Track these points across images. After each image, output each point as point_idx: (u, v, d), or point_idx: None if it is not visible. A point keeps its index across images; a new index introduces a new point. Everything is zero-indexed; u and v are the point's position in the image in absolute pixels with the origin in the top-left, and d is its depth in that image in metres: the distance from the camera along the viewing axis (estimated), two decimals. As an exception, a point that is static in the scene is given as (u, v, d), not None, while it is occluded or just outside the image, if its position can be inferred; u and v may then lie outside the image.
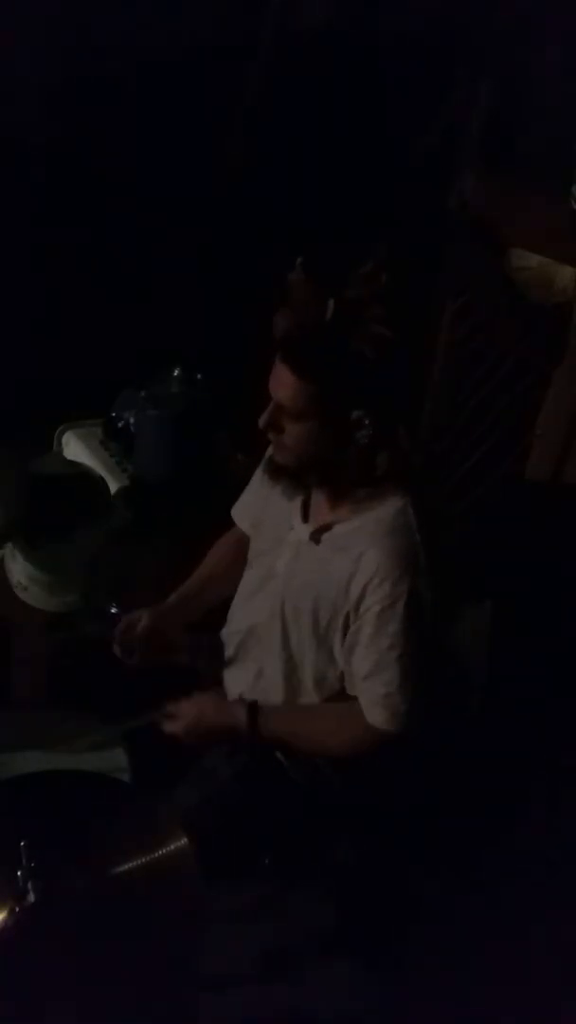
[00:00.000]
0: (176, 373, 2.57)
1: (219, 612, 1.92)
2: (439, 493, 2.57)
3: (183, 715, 1.74)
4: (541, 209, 2.57)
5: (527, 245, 2.60)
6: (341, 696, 1.73)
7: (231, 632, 1.88)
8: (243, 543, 1.92)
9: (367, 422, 1.53)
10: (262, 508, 1.84)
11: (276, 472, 1.66)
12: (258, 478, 1.85)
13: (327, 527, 1.67)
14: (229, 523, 2.00)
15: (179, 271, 3.13)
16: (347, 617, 1.65)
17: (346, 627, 1.66)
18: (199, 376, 2.58)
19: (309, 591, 1.68)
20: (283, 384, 1.54)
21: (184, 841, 1.45)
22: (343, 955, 2.13)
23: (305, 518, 1.71)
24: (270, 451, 1.68)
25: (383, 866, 2.20)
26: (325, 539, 1.67)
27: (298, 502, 1.72)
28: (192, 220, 3.12)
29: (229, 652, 1.87)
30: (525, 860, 2.30)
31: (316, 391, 1.52)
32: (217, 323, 3.09)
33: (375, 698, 1.64)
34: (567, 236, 2.50)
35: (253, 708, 1.71)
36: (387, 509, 1.61)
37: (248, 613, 1.83)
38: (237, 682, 1.84)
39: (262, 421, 1.59)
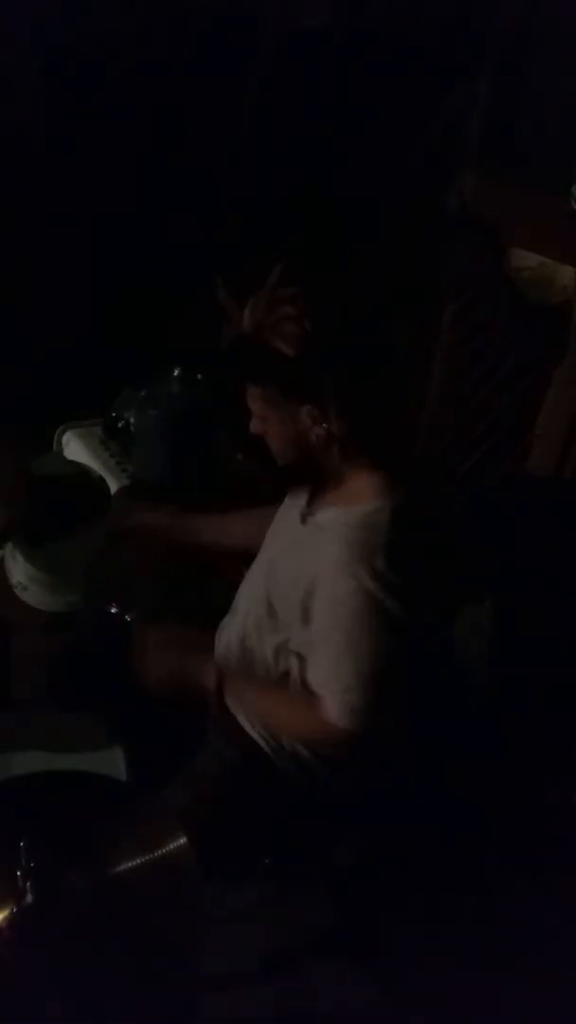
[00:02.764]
0: (176, 373, 2.57)
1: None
2: (441, 494, 2.57)
3: (153, 647, 1.76)
4: (541, 209, 2.57)
5: (527, 245, 2.60)
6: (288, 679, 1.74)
7: (230, 618, 1.90)
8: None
9: (318, 416, 1.58)
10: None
11: (277, 474, 1.73)
12: None
13: (313, 512, 1.71)
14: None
15: (180, 270, 3.13)
16: (302, 605, 1.66)
17: (302, 615, 1.67)
18: (199, 376, 2.58)
19: (284, 573, 1.72)
20: (247, 391, 1.65)
21: (184, 841, 1.45)
22: (343, 955, 2.13)
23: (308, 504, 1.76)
24: None
25: (382, 866, 2.20)
26: (309, 522, 1.70)
27: (305, 493, 1.76)
28: (192, 220, 3.12)
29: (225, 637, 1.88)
30: (525, 859, 2.30)
31: (263, 393, 1.61)
32: (217, 323, 3.09)
33: (330, 695, 1.62)
34: (567, 236, 2.50)
35: (221, 677, 1.73)
36: (364, 506, 1.61)
37: (245, 598, 1.86)
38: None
39: (251, 428, 1.69)
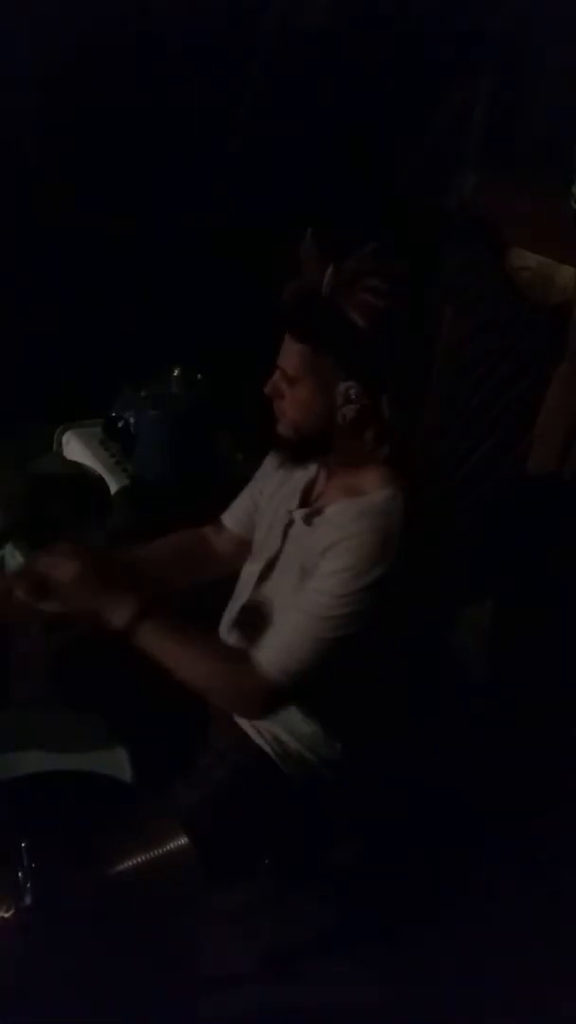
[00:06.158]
0: (176, 373, 2.57)
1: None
2: (441, 494, 2.57)
3: (66, 565, 1.63)
4: (541, 209, 2.57)
5: (527, 245, 2.60)
6: None
7: (227, 620, 1.90)
8: (203, 539, 1.98)
9: (353, 395, 1.58)
10: (263, 501, 1.88)
11: (279, 444, 1.72)
12: (258, 475, 1.91)
13: (319, 511, 1.70)
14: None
15: (180, 271, 3.13)
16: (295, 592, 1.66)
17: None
18: (199, 376, 2.58)
19: (293, 569, 1.71)
20: (286, 348, 1.62)
21: (185, 841, 1.45)
22: (343, 955, 2.13)
23: (304, 504, 1.75)
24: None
25: (383, 866, 2.20)
26: (316, 521, 1.70)
27: (298, 490, 1.76)
28: (192, 220, 3.12)
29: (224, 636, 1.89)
30: (525, 859, 2.30)
31: (310, 354, 1.59)
32: (217, 323, 3.09)
33: (279, 643, 1.61)
34: (567, 236, 2.50)
35: (143, 612, 1.61)
36: (378, 495, 1.63)
37: (244, 599, 1.86)
38: None
39: (267, 387, 1.66)
